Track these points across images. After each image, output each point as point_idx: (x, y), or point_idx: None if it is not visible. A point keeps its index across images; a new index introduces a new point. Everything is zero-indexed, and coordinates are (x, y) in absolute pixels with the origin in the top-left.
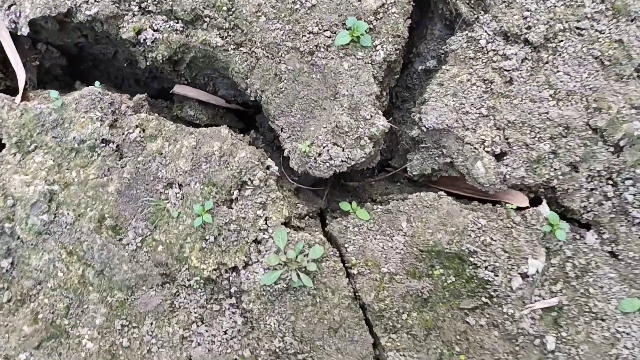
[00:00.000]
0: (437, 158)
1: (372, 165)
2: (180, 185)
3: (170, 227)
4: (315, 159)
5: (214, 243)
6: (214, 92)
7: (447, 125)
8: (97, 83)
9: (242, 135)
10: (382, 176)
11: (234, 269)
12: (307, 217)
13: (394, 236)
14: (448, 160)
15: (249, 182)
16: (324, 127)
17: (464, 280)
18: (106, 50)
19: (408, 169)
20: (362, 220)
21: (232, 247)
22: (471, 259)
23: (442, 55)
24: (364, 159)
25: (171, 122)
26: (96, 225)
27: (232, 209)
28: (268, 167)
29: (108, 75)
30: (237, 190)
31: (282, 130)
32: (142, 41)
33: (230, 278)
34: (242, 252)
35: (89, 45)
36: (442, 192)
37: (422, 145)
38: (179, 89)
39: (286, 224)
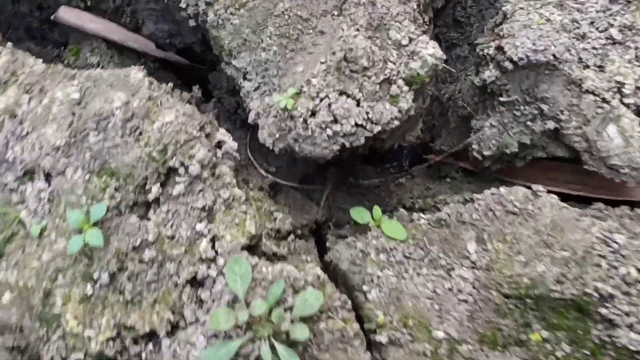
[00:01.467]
0: (529, 122)
1: (409, 141)
2: (47, 175)
3: (27, 256)
4: (305, 121)
5: (109, 287)
6: (135, 29)
7: (551, 56)
8: None
9: (169, 86)
10: (420, 167)
11: (150, 337)
12: (291, 235)
13: (453, 269)
14: (551, 125)
15: (181, 170)
16: (322, 63)
17: (588, 352)
18: None
19: (473, 148)
20: (393, 241)
21: (146, 294)
22: (602, 311)
23: None
24: (397, 123)
25: (38, 59)
26: None
27: (148, 219)
28: (219, 144)
29: None
30: (158, 185)
31: (244, 77)
32: None
33: (143, 355)
34: (165, 305)
35: None
36: (539, 187)
37: (501, 100)
38: (65, 13)
39: (251, 248)
